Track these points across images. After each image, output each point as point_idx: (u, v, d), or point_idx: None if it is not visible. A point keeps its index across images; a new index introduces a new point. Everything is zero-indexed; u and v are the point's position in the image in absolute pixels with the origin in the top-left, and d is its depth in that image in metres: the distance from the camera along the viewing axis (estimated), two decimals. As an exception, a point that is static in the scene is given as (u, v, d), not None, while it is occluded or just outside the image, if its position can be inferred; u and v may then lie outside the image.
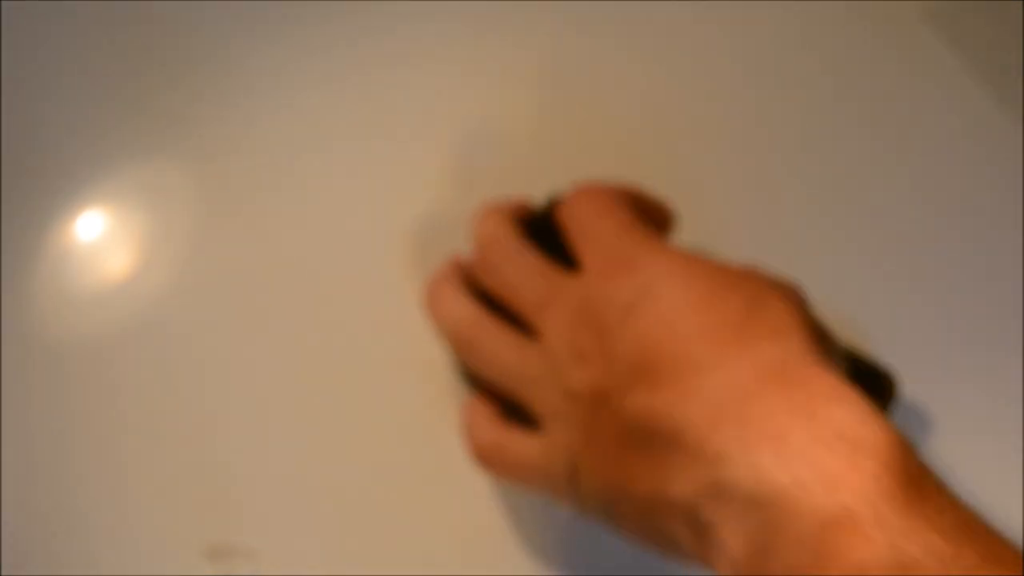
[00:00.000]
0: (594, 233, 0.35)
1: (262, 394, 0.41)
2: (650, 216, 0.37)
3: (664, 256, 0.33)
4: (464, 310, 0.36)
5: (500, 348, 0.35)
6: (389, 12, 0.47)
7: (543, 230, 0.37)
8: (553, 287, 0.35)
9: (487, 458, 0.36)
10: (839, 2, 0.47)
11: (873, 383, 0.39)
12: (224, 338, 0.42)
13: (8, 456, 0.40)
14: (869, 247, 0.43)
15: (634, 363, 0.31)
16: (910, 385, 0.39)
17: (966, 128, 0.45)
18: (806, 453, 0.27)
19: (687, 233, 0.43)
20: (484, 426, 0.36)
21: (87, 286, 0.43)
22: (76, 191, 0.44)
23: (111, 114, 0.45)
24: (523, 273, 0.36)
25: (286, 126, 0.45)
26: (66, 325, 0.42)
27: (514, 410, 0.35)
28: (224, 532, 0.38)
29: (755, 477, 0.28)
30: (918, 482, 0.27)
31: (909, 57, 0.46)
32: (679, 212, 0.39)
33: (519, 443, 0.35)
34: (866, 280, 0.42)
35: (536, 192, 0.39)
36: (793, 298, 0.32)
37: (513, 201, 0.39)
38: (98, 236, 0.43)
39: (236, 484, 0.39)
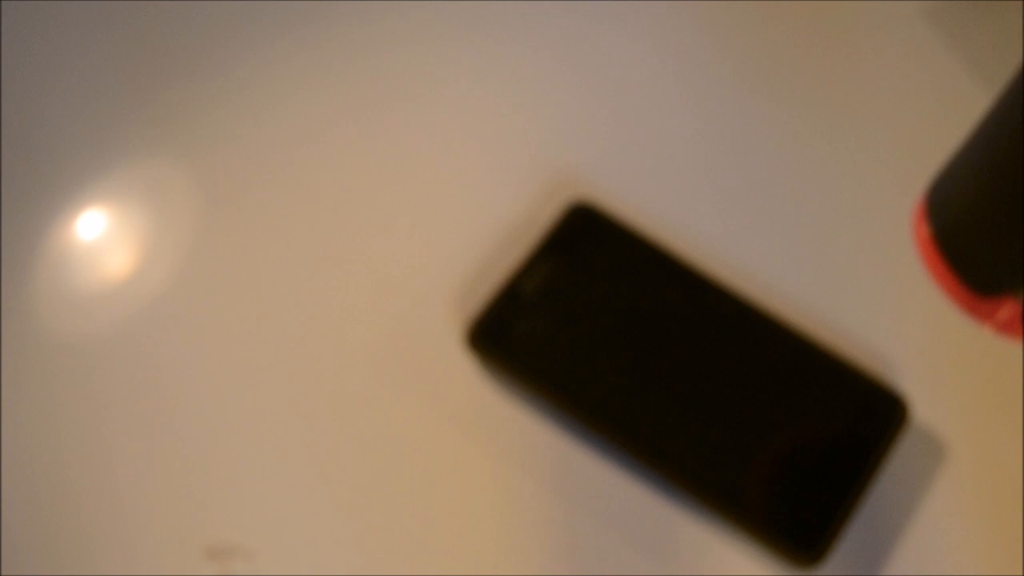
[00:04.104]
0: None
1: (262, 393, 0.41)
2: None
3: None
4: None
5: None
6: (386, 7, 0.47)
7: None
8: None
9: None
10: (839, 2, 0.47)
11: (883, 408, 0.38)
12: (224, 337, 0.42)
13: (8, 455, 0.40)
14: (869, 250, 0.43)
15: None
16: (921, 409, 0.39)
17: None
18: None
19: (686, 234, 0.43)
20: None
21: (87, 286, 0.43)
22: (76, 190, 0.44)
23: (110, 113, 0.45)
24: None
25: (286, 123, 0.45)
26: (66, 325, 0.42)
27: None
28: (223, 532, 0.38)
29: None
30: None
31: (909, 57, 0.46)
32: (679, 214, 0.39)
33: None
34: (866, 284, 0.42)
35: (533, 183, 0.39)
36: None
37: None
38: (98, 236, 0.44)
39: (235, 484, 0.39)
